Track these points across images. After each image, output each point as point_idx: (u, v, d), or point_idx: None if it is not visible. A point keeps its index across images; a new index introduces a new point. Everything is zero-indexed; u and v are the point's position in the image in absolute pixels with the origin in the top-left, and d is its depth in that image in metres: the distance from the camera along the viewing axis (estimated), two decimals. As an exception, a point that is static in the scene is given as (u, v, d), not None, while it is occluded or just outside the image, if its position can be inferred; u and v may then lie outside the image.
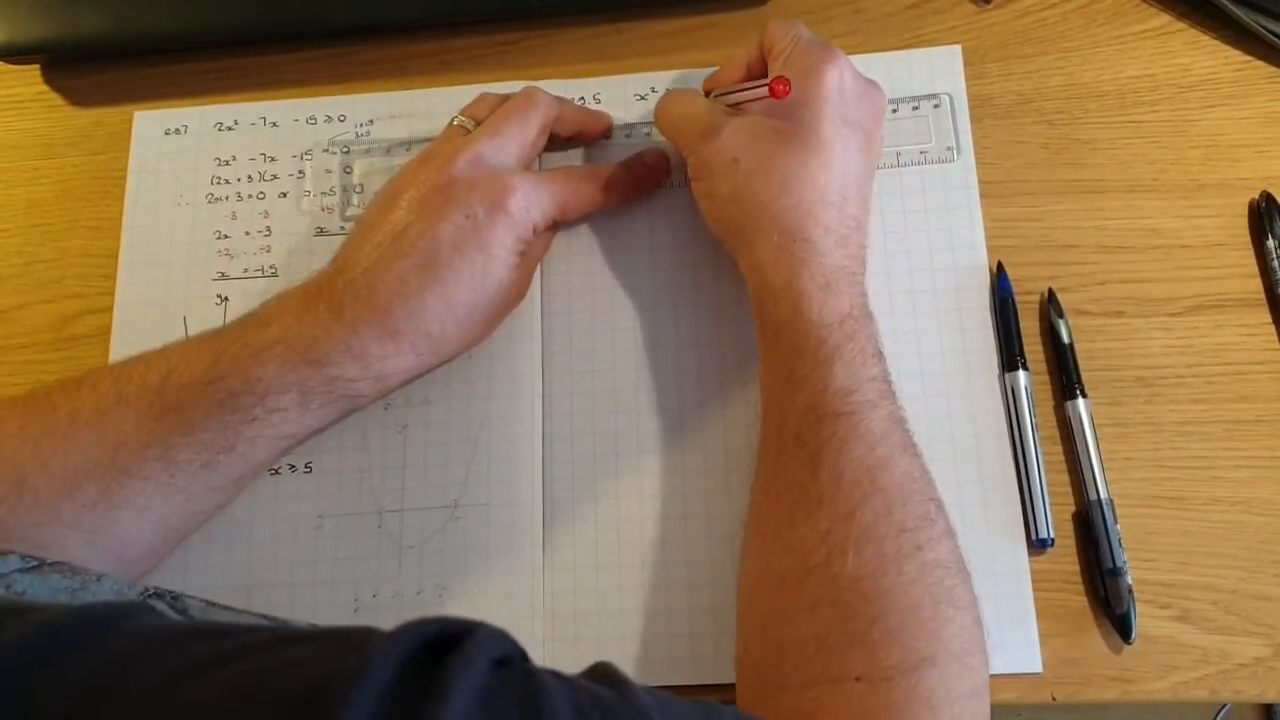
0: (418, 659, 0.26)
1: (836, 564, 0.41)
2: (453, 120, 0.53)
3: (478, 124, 0.52)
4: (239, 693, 0.25)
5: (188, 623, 0.32)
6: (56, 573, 0.35)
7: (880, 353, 0.46)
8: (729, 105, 0.50)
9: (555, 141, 0.56)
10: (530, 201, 0.50)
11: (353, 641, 0.27)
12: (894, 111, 0.57)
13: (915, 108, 0.57)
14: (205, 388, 0.46)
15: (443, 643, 0.27)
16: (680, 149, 0.52)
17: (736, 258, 0.49)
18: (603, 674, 0.31)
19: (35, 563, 0.35)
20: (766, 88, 0.45)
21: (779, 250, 0.46)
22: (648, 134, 0.58)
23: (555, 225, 0.53)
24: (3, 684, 0.25)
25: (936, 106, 0.57)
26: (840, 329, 0.45)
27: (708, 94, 0.54)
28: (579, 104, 0.58)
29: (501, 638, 0.28)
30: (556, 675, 0.28)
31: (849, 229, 0.47)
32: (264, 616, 0.40)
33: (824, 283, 0.46)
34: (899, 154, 0.56)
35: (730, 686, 0.46)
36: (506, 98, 0.54)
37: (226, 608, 0.40)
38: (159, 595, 0.37)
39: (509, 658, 0.28)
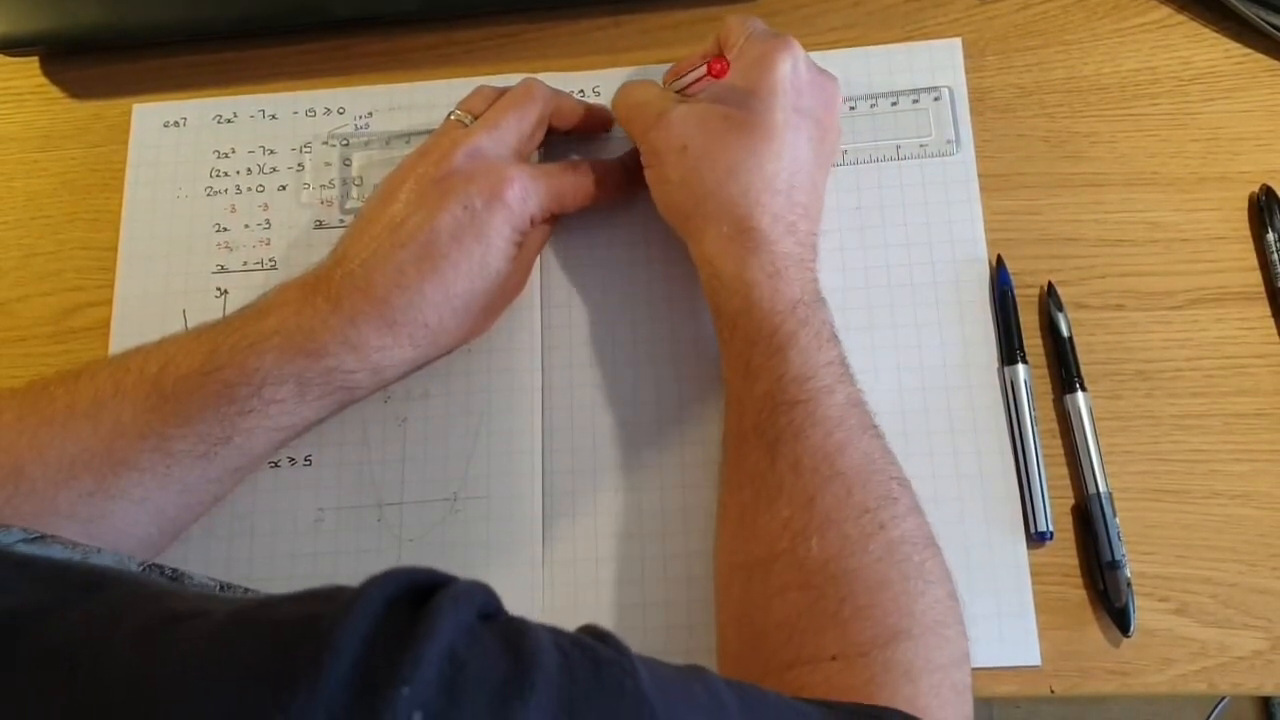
0: (406, 595, 0.26)
1: (801, 549, 0.42)
2: (450, 113, 0.53)
3: (475, 117, 0.52)
4: (231, 625, 0.25)
5: (186, 587, 0.33)
6: (58, 544, 0.36)
7: (835, 337, 0.47)
8: (679, 93, 0.51)
9: (554, 134, 0.56)
10: (528, 193, 0.50)
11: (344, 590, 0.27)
12: (894, 104, 0.57)
13: (915, 100, 0.57)
14: (202, 379, 0.46)
15: (431, 586, 0.27)
16: (633, 136, 0.52)
17: (688, 246, 0.50)
18: (589, 629, 0.31)
19: (37, 534, 0.35)
20: (705, 66, 0.46)
21: (728, 240, 0.47)
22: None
23: (554, 217, 0.53)
24: (6, 627, 0.25)
25: (936, 99, 0.56)
26: (793, 315, 0.46)
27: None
28: (577, 97, 0.57)
29: (487, 592, 0.29)
30: (539, 624, 0.29)
31: (797, 215, 0.48)
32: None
33: (773, 271, 0.46)
34: (899, 147, 0.56)
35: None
36: (504, 90, 0.54)
37: (227, 584, 0.40)
38: (159, 567, 0.38)
39: (490, 607, 0.29)
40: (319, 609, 0.25)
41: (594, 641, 0.29)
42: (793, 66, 0.48)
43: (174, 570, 0.38)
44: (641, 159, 0.51)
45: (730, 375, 0.47)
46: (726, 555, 0.46)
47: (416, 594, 0.26)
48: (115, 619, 0.26)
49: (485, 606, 0.28)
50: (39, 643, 0.25)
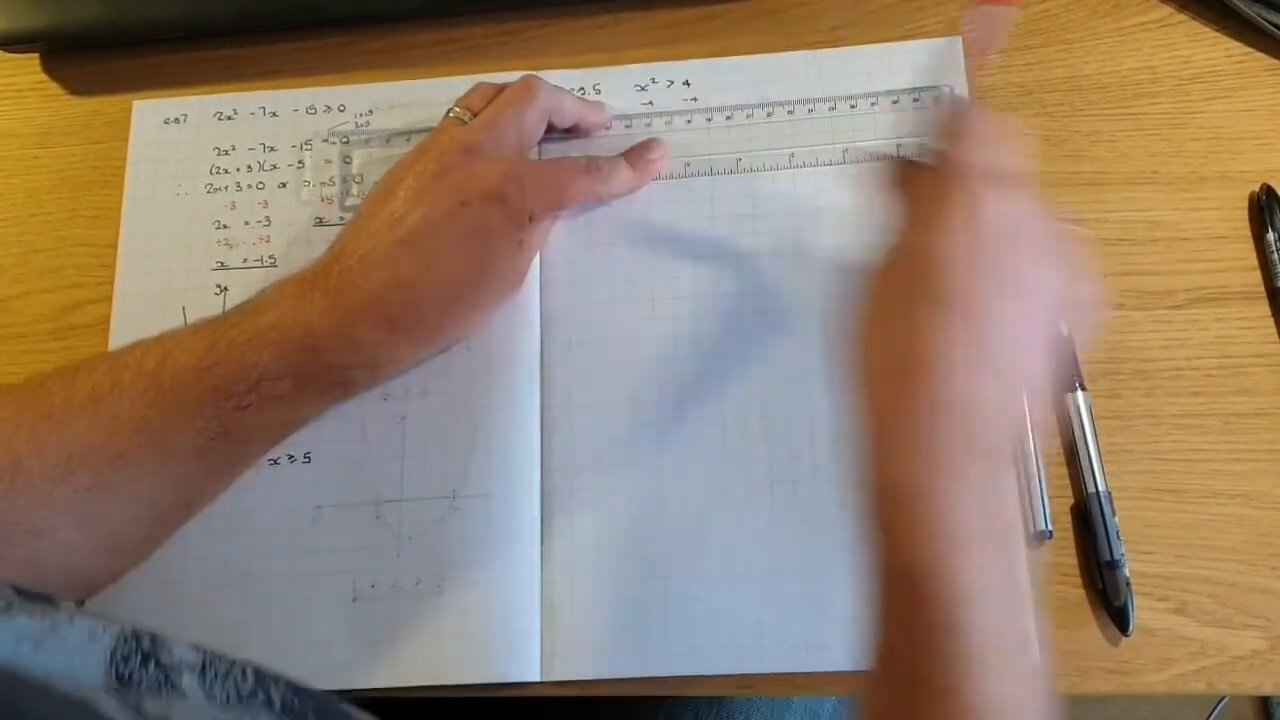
0: None
1: None
2: (449, 110, 0.53)
3: (474, 114, 0.52)
4: None
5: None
6: (25, 614, 0.33)
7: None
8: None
9: (553, 132, 0.56)
10: (526, 189, 0.49)
11: None
12: (894, 103, 0.56)
13: (916, 99, 0.57)
14: (200, 374, 0.46)
15: None
16: (907, 205, 0.39)
17: (867, 424, 0.38)
18: None
19: (3, 603, 0.33)
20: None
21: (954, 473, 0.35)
22: (648, 125, 0.57)
23: (553, 214, 0.53)
24: None
25: (938, 99, 0.56)
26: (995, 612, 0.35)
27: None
28: (578, 95, 0.57)
29: None
30: None
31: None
32: (257, 673, 0.36)
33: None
34: (898, 146, 0.56)
35: (726, 677, 0.46)
36: (503, 87, 0.54)
37: (219, 656, 0.36)
38: (136, 637, 0.34)
39: None
40: None
41: None
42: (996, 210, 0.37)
43: (152, 640, 0.35)
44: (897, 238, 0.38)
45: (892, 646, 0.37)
46: None
47: None
48: None
49: None
50: None
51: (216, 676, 0.35)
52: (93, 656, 0.33)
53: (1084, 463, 0.50)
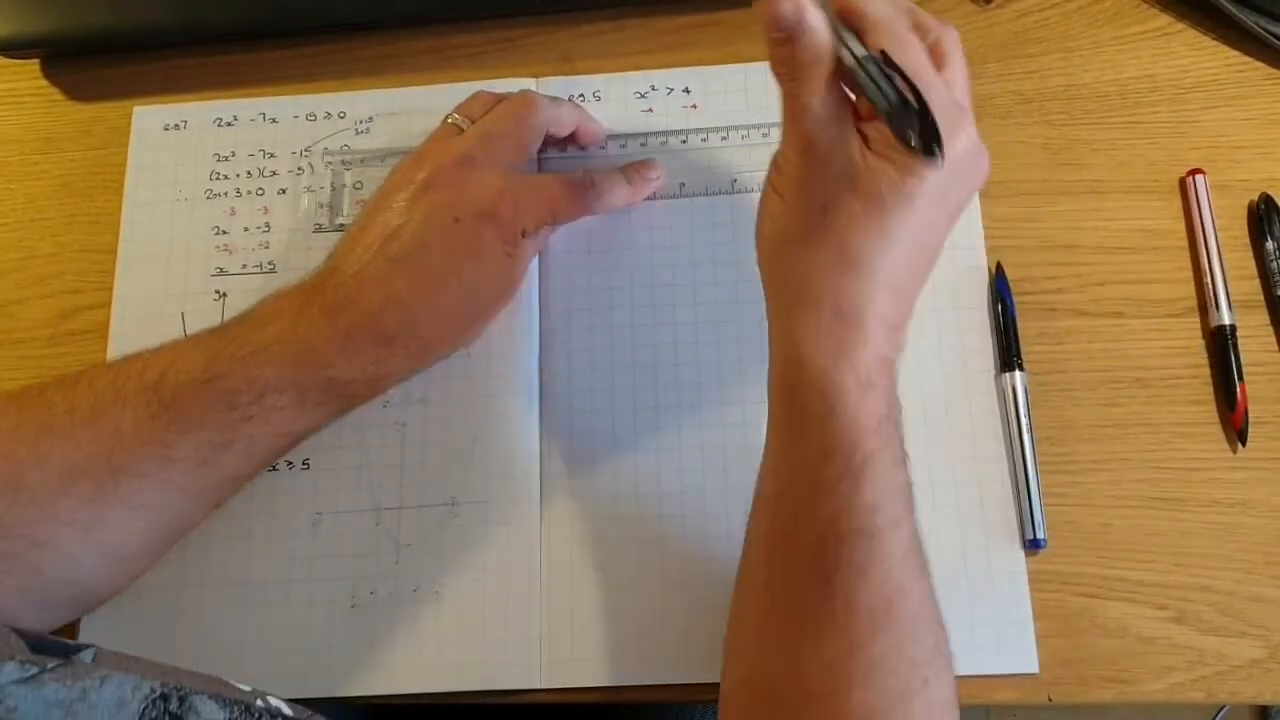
0: None
1: (840, 698, 0.38)
2: (447, 118, 0.53)
3: (472, 122, 0.52)
4: None
5: None
6: (56, 681, 0.33)
7: (906, 455, 0.42)
8: (851, 67, 0.38)
9: (550, 146, 0.56)
10: (519, 205, 0.49)
11: None
12: None
13: None
14: (203, 386, 0.46)
15: None
16: (785, 138, 0.41)
17: (770, 309, 0.43)
18: None
19: (33, 671, 0.33)
20: None
21: (826, 330, 0.40)
22: (643, 144, 0.57)
23: (547, 228, 0.52)
24: None
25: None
26: (877, 435, 0.40)
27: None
28: (578, 102, 0.57)
29: None
30: None
31: (901, 317, 0.42)
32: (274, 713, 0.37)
33: (865, 378, 0.40)
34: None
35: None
36: (502, 97, 0.53)
37: (246, 709, 0.36)
38: (164, 698, 0.35)
39: None
40: None
41: None
42: (968, 145, 0.40)
43: (180, 700, 0.35)
44: (773, 171, 0.42)
45: (789, 474, 0.42)
46: (755, 673, 0.42)
47: None
48: None
49: None
50: None
51: None
52: None
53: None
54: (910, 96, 0.36)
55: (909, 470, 0.42)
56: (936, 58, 0.40)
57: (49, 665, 0.33)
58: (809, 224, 0.40)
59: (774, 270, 0.43)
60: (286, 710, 0.39)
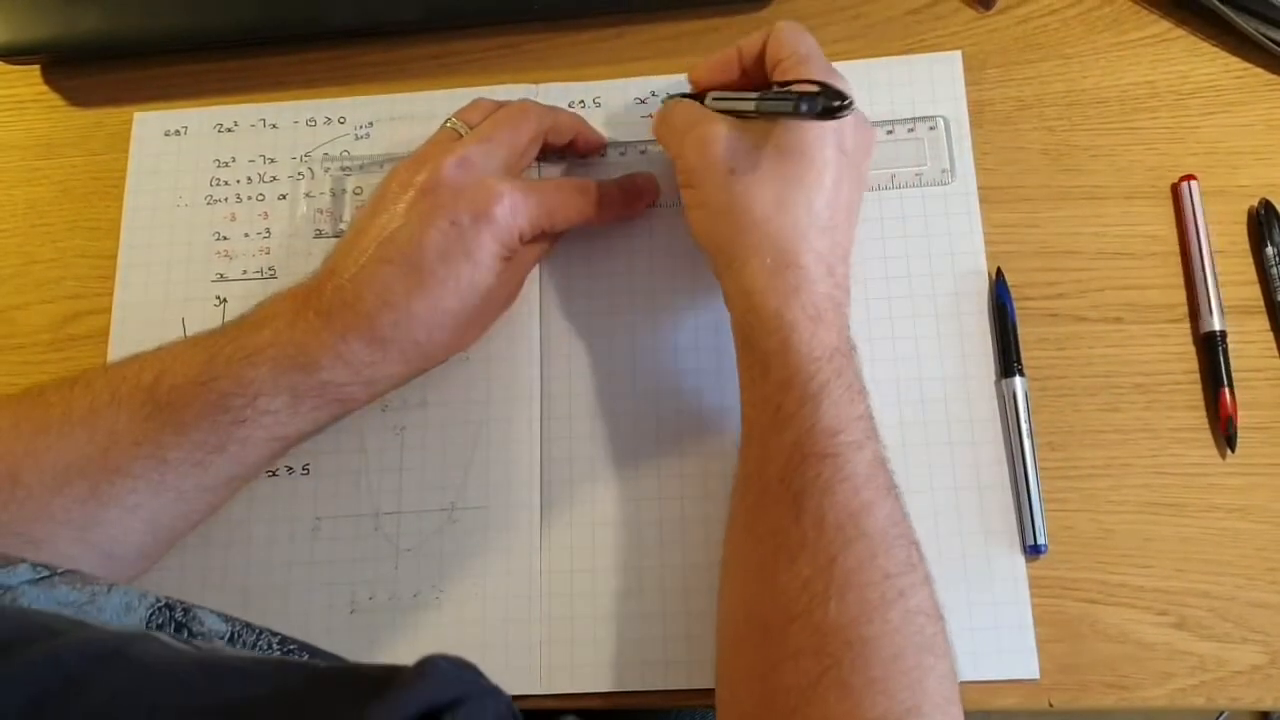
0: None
1: (819, 612, 0.40)
2: (446, 122, 0.53)
3: (470, 128, 0.52)
4: None
5: (190, 660, 0.32)
6: (65, 584, 0.35)
7: (865, 389, 0.45)
8: (741, 114, 0.48)
9: (549, 154, 0.56)
10: (517, 209, 0.49)
11: (359, 693, 0.27)
12: (889, 133, 0.56)
13: (910, 129, 0.56)
14: (198, 388, 0.46)
15: (446, 705, 0.27)
16: (672, 155, 0.50)
17: (721, 278, 0.48)
18: None
19: (45, 573, 0.35)
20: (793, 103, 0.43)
21: (770, 275, 0.45)
22: (642, 152, 0.57)
23: (545, 234, 0.52)
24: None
25: (932, 129, 0.56)
26: (829, 364, 0.44)
27: (698, 91, 0.52)
28: (578, 109, 0.58)
29: (492, 707, 0.29)
30: None
31: (837, 258, 0.46)
32: (282, 641, 0.39)
33: (814, 313, 0.44)
34: (894, 176, 0.56)
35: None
36: (502, 104, 0.54)
37: (246, 625, 0.38)
38: (169, 607, 0.37)
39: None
40: None
41: None
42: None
43: (185, 610, 0.37)
44: (679, 178, 0.49)
45: (755, 416, 0.46)
46: (737, 608, 0.44)
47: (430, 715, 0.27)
48: None
49: None
50: None
51: (245, 645, 0.38)
52: (130, 624, 0.35)
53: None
54: (809, 91, 0.43)
55: (869, 403, 0.45)
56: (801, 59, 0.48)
57: (59, 570, 0.35)
58: (725, 192, 0.46)
59: (714, 244, 0.48)
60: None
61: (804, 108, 0.43)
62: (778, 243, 0.45)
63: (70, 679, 0.26)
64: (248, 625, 0.38)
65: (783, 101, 0.44)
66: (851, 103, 0.42)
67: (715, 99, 0.50)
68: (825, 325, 0.44)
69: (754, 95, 0.47)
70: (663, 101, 0.52)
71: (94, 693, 0.26)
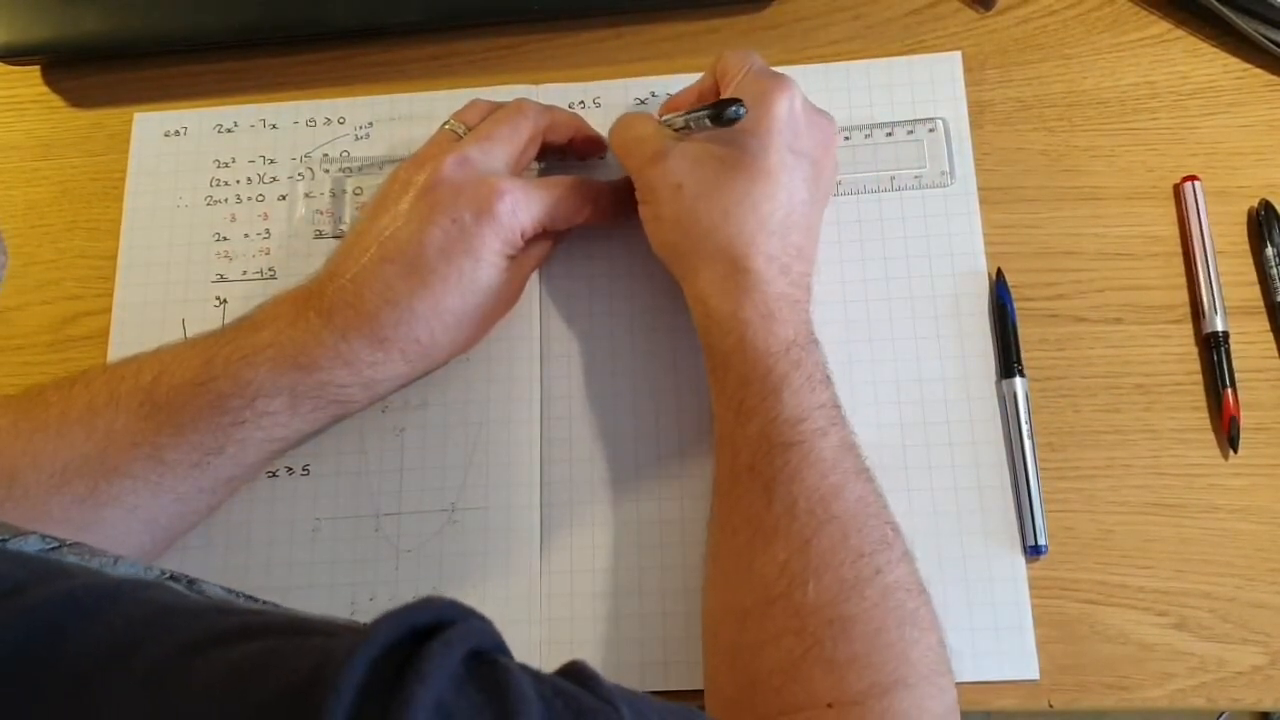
0: (402, 647, 0.26)
1: (798, 594, 0.42)
2: (444, 124, 0.53)
3: (469, 128, 0.52)
4: (240, 675, 0.25)
5: (205, 600, 0.33)
6: (74, 554, 0.35)
7: (828, 379, 0.47)
8: (677, 130, 0.50)
9: (549, 154, 0.56)
10: (518, 207, 0.49)
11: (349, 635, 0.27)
12: (888, 135, 0.56)
13: (910, 131, 0.56)
14: (196, 389, 0.46)
15: (429, 630, 0.27)
16: (629, 171, 0.51)
17: (681, 284, 0.50)
18: (574, 671, 0.31)
19: (54, 544, 0.35)
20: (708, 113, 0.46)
21: (722, 280, 0.47)
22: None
23: (547, 234, 0.52)
24: (23, 648, 0.26)
25: (932, 131, 0.56)
26: (786, 357, 0.46)
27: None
28: (577, 109, 0.58)
29: (482, 631, 0.29)
30: (525, 668, 0.29)
31: (791, 257, 0.47)
32: (279, 609, 0.40)
33: (767, 312, 0.46)
34: (893, 177, 0.56)
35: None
36: (499, 105, 0.54)
37: (248, 596, 0.39)
38: (175, 579, 0.37)
39: (485, 650, 0.29)
40: (321, 661, 0.25)
41: (578, 690, 0.30)
42: (790, 106, 0.48)
43: (190, 580, 0.38)
44: (636, 194, 0.51)
45: (722, 414, 0.47)
46: (719, 598, 0.46)
47: (416, 636, 0.27)
48: (132, 646, 0.26)
49: (480, 646, 0.28)
50: (57, 672, 0.25)
51: None
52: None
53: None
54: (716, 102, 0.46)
55: (833, 390, 0.47)
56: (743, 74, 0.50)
57: (68, 541, 0.35)
58: (674, 205, 0.48)
59: (669, 254, 0.50)
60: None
61: (708, 115, 0.46)
62: (727, 251, 0.47)
63: (86, 612, 0.27)
64: (250, 598, 0.39)
65: (697, 114, 0.47)
66: (739, 102, 0.45)
67: (664, 120, 0.52)
68: (780, 322, 0.46)
69: (683, 113, 0.49)
70: (617, 119, 0.53)
71: (110, 620, 0.27)
